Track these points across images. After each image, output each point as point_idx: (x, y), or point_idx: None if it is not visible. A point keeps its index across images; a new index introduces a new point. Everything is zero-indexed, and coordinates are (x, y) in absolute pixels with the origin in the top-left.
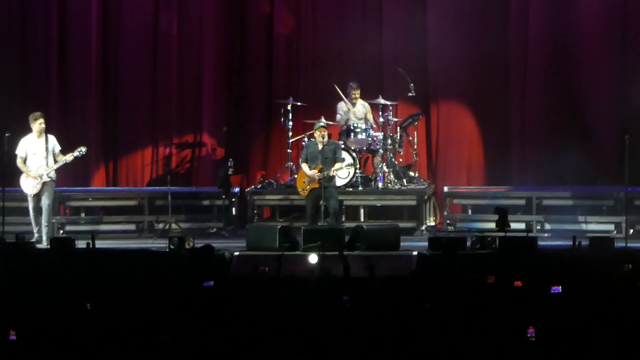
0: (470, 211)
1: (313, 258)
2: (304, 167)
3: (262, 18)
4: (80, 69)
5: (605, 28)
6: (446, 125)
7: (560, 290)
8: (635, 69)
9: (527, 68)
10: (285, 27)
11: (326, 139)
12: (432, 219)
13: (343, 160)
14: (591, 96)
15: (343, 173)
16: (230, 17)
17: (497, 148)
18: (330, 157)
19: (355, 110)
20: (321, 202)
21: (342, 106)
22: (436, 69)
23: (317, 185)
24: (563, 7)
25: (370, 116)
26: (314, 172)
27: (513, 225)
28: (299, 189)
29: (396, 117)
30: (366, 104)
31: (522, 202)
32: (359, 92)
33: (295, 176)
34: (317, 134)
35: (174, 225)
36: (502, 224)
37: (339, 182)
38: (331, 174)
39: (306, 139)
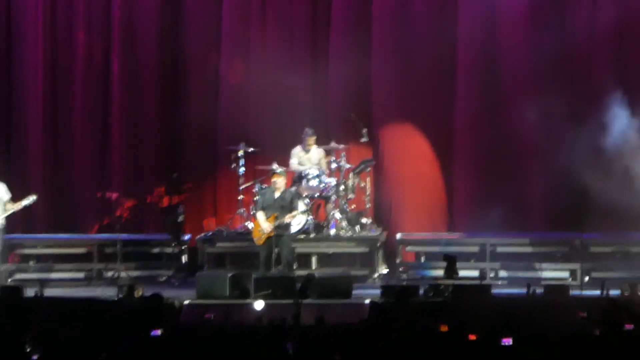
0: (423, 258)
1: (259, 304)
2: (260, 216)
3: (209, 63)
4: (27, 112)
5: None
6: (399, 171)
7: (511, 343)
8: (590, 109)
9: (473, 116)
10: (233, 72)
11: (282, 185)
12: (384, 266)
13: (296, 207)
14: (543, 139)
15: (296, 220)
16: (175, 67)
17: (452, 194)
18: (286, 206)
19: (310, 156)
20: (275, 250)
21: (297, 151)
22: (383, 113)
23: (272, 234)
24: (506, 43)
25: (323, 162)
26: (268, 225)
27: (467, 273)
28: (254, 238)
29: (349, 163)
30: (321, 150)
31: (476, 249)
32: (314, 139)
33: (247, 224)
34: (272, 180)
35: (123, 274)
36: (451, 271)
37: (293, 230)
38: (286, 222)
39: (257, 185)
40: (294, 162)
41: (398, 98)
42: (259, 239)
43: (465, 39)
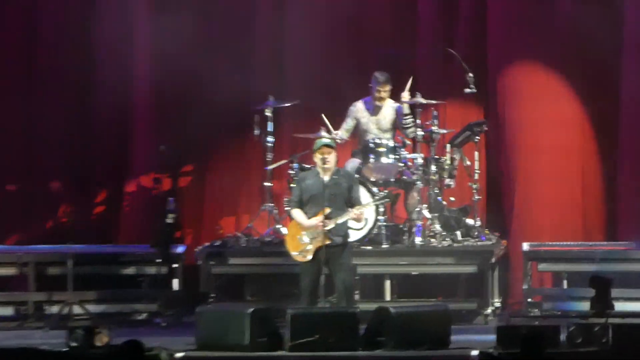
0: (566, 283)
1: None
2: (297, 214)
3: None
4: None
5: None
6: (526, 142)
7: None
8: None
9: None
10: None
11: (332, 165)
12: (502, 296)
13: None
14: None
15: (356, 222)
16: None
17: (614, 183)
18: (341, 195)
19: (381, 117)
20: (324, 269)
21: (355, 109)
22: (504, 49)
23: (324, 242)
24: None
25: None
26: (313, 221)
27: (636, 306)
28: (292, 252)
29: (445, 129)
30: (399, 108)
31: None
32: (388, 88)
33: (279, 227)
34: (317, 157)
35: (77, 309)
36: (603, 303)
37: (350, 237)
38: (341, 221)
39: (295, 165)
40: (343, 125)
41: (531, 27)
42: (300, 253)
43: None
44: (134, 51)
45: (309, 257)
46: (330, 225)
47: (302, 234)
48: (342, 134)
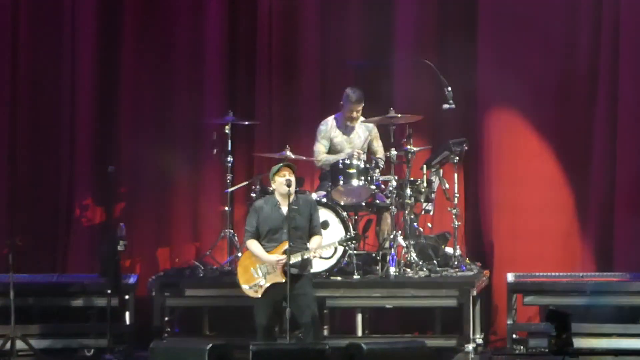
0: None
1: None
2: (255, 246)
3: None
4: None
5: None
6: (512, 164)
7: None
8: None
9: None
10: None
11: (294, 189)
12: (483, 332)
13: (326, 226)
14: None
15: (325, 251)
16: None
17: (607, 209)
18: (302, 227)
19: (353, 136)
20: (285, 305)
21: (327, 128)
22: (490, 65)
23: (280, 279)
24: None
25: (377, 145)
26: (273, 257)
27: (632, 343)
28: (243, 285)
29: (419, 147)
30: (372, 127)
31: None
32: (361, 107)
33: (240, 255)
34: (277, 181)
35: (19, 343)
36: (560, 340)
37: (318, 267)
38: (308, 257)
39: (257, 186)
40: (320, 148)
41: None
42: (253, 287)
43: None
44: (75, 65)
45: (260, 293)
46: (288, 260)
47: (256, 267)
48: (324, 158)
